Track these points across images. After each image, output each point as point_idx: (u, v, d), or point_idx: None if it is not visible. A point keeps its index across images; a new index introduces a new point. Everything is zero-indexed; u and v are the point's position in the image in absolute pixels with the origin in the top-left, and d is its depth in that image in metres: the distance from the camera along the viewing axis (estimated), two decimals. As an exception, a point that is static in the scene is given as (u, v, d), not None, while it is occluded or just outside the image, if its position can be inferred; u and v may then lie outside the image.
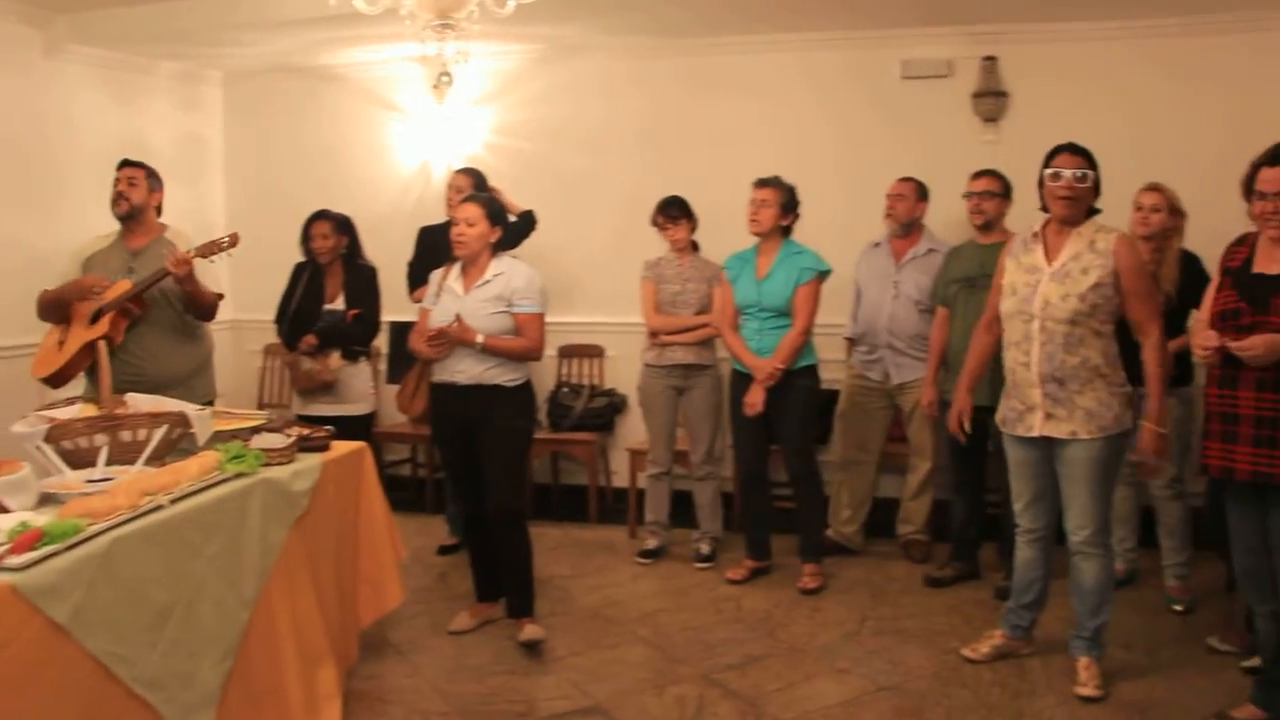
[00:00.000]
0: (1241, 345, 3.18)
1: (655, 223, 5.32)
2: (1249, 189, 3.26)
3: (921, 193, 5.28)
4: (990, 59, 5.91)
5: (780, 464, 5.14)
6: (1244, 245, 3.41)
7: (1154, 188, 4.53)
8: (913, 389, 5.17)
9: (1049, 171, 3.72)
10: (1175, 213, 4.47)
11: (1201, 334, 3.35)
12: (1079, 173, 3.65)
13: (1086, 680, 3.78)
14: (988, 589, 4.81)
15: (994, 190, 4.91)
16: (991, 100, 5.90)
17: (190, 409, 3.54)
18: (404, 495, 6.27)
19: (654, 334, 5.30)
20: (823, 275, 4.92)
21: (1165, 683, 3.89)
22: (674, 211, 5.28)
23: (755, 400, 4.86)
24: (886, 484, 5.64)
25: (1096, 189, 3.74)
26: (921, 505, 5.34)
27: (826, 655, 4.20)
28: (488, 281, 4.21)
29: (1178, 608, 4.59)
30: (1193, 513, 4.64)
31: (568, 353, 6.56)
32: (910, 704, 3.77)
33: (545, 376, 6.34)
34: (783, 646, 4.29)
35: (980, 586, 4.86)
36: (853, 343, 5.48)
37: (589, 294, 6.54)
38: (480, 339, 4.11)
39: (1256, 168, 3.23)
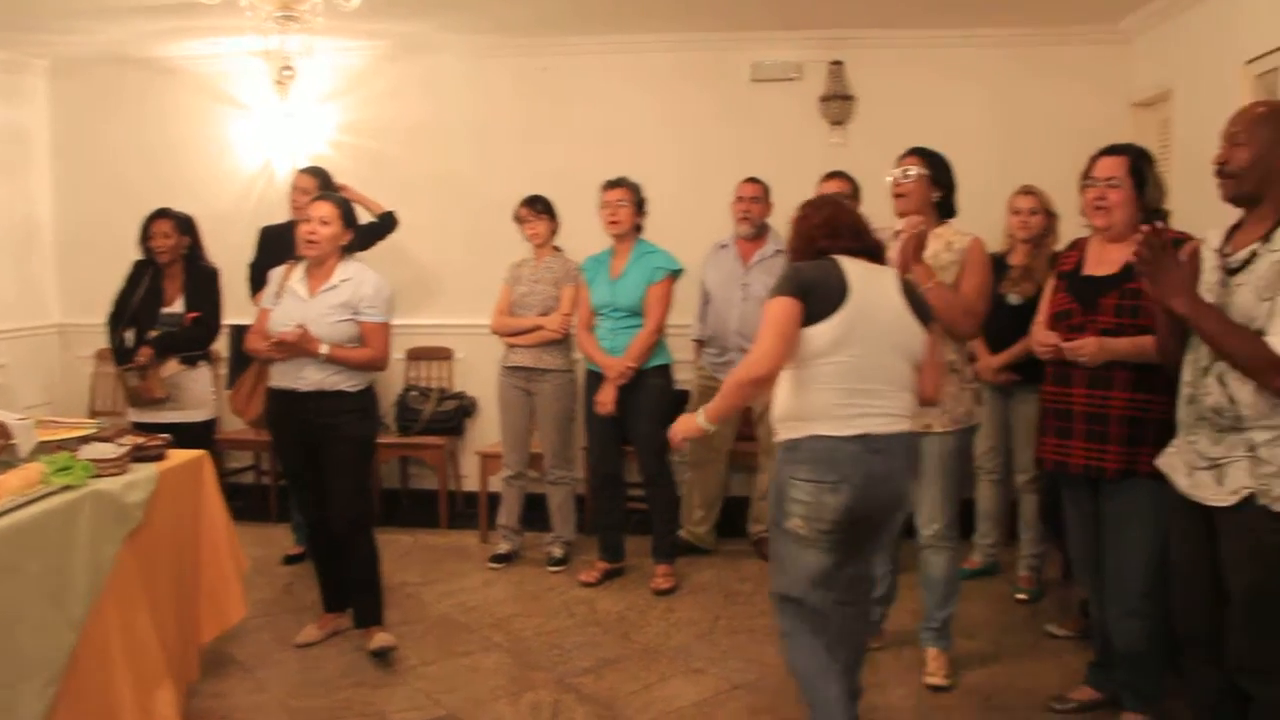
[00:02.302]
0: (1073, 346, 3.30)
1: (518, 216, 5.26)
2: (1085, 178, 3.40)
3: (768, 194, 5.35)
4: (837, 63, 6.03)
5: (633, 465, 5.14)
6: (1076, 250, 3.54)
7: (1028, 191, 4.69)
8: (766, 389, 5.21)
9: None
10: (1049, 214, 4.64)
11: (1040, 334, 3.47)
12: (905, 170, 3.75)
13: (935, 670, 3.89)
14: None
15: (844, 192, 5.00)
16: (838, 103, 6.03)
17: (11, 417, 3.33)
18: (247, 504, 6.08)
19: (497, 335, 5.28)
20: (675, 274, 4.94)
21: (1009, 669, 4.04)
22: (539, 205, 5.23)
23: (607, 399, 4.85)
24: (738, 483, 5.70)
25: (947, 191, 3.83)
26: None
27: (681, 656, 4.21)
28: (334, 287, 4.08)
29: (1023, 597, 4.76)
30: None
31: (416, 355, 6.43)
32: (765, 701, 3.81)
33: (393, 380, 6.20)
34: (637, 648, 4.28)
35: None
36: (701, 344, 5.51)
37: (438, 296, 6.43)
38: (324, 349, 3.99)
39: (1095, 158, 3.37)
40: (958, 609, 4.02)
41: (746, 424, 5.46)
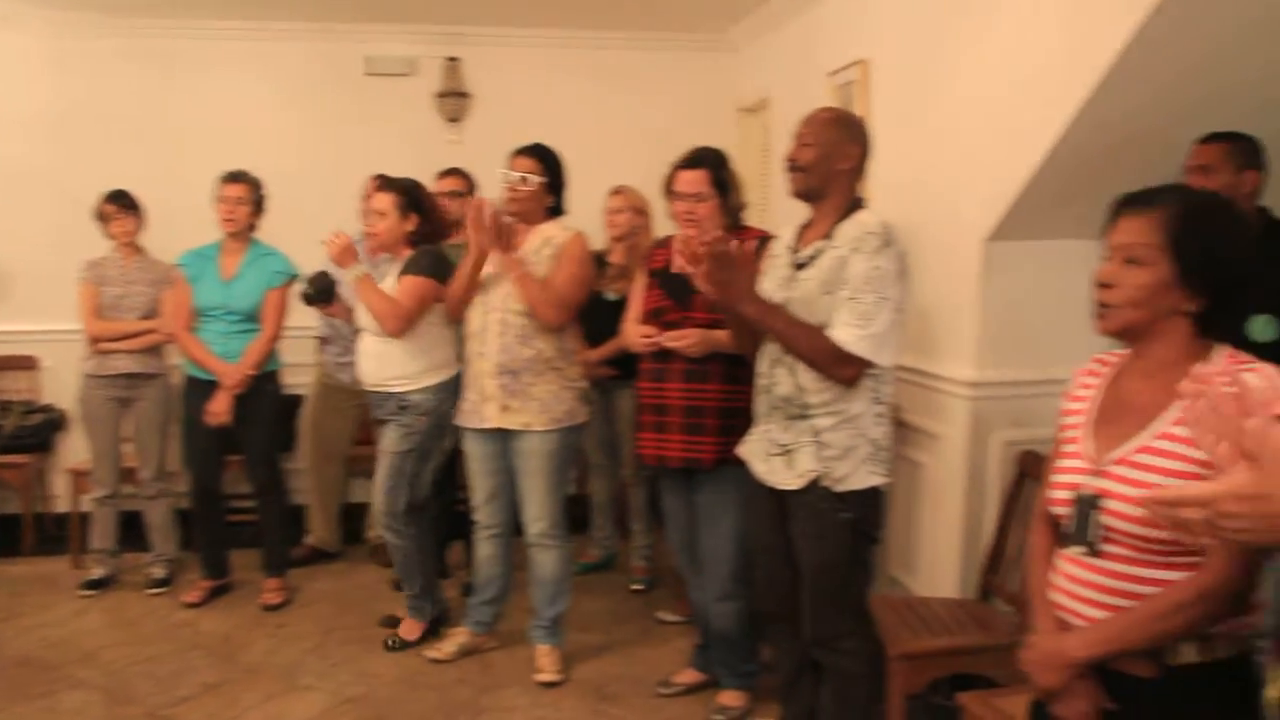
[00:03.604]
0: (676, 336, 3.37)
1: (102, 213, 4.79)
2: (669, 190, 3.47)
3: None
4: (453, 59, 5.96)
5: (236, 476, 4.83)
6: (665, 247, 3.63)
7: (617, 190, 4.76)
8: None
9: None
10: (640, 212, 4.72)
11: (636, 330, 3.53)
12: (517, 175, 3.73)
13: (546, 667, 3.89)
14: (456, 586, 4.81)
15: (459, 189, 4.93)
16: (454, 100, 5.96)
17: None
18: None
19: (95, 341, 4.78)
20: (292, 279, 4.68)
21: (621, 659, 4.11)
22: (125, 201, 4.79)
23: (221, 409, 4.51)
24: (359, 488, 5.51)
25: (559, 194, 3.83)
26: (391, 508, 5.25)
27: (289, 673, 3.99)
28: None
29: (638, 587, 4.87)
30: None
31: (-5, 364, 5.76)
32: (375, 712, 3.68)
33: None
34: (242, 669, 4.02)
35: (449, 585, 4.85)
36: (324, 341, 5.28)
37: (19, 299, 5.78)
38: None
39: (675, 170, 3.45)
40: (575, 604, 4.05)
41: (364, 428, 5.28)
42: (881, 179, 4.24)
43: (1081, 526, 1.81)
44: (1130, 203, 1.84)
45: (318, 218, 5.31)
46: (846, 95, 4.52)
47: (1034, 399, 3.39)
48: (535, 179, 3.73)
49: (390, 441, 4.07)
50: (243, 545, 4.93)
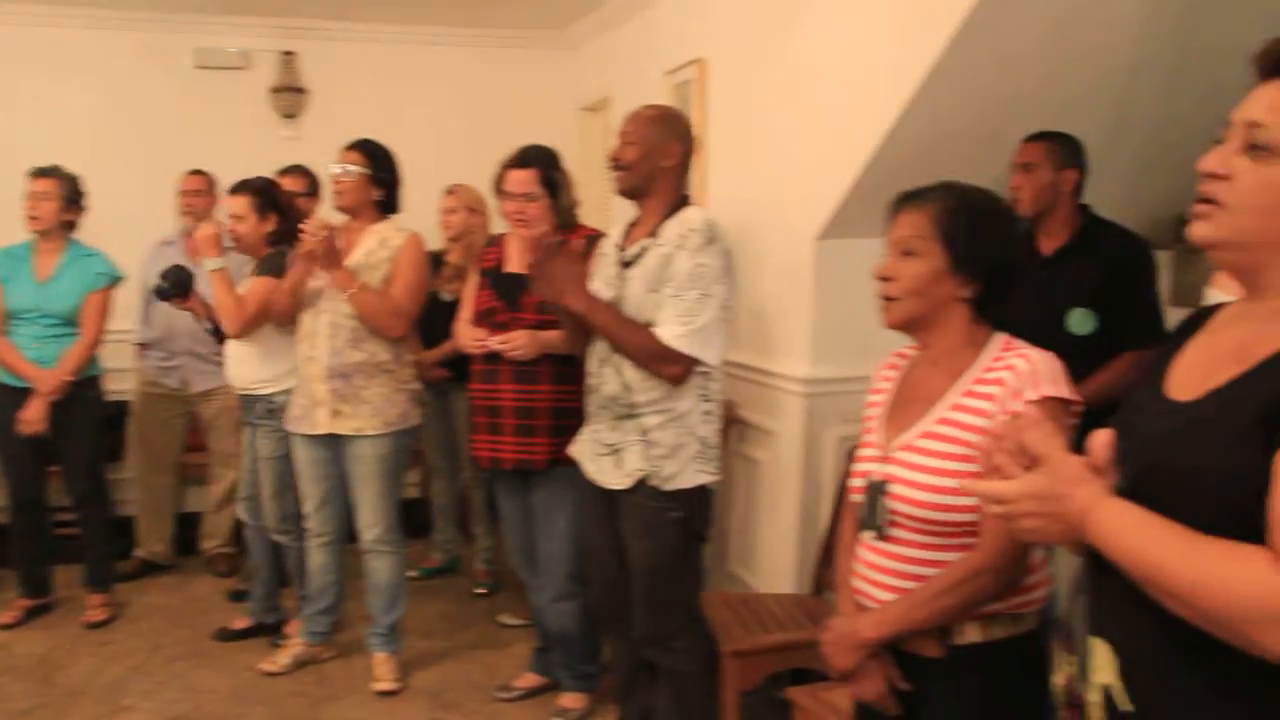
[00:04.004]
0: (506, 339, 3.33)
1: None
2: (500, 190, 3.43)
3: (214, 188, 5.01)
4: (289, 54, 5.79)
5: (59, 487, 4.59)
6: (496, 246, 3.59)
7: (452, 190, 4.68)
8: (217, 396, 4.87)
9: None
10: (475, 211, 4.64)
11: (467, 331, 3.47)
12: (345, 167, 3.64)
13: (384, 675, 3.81)
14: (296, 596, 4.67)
15: (299, 190, 4.77)
16: (291, 96, 5.79)
17: None
18: None
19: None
20: (115, 281, 4.47)
21: (461, 664, 4.05)
22: None
23: (36, 417, 4.27)
24: (193, 497, 5.30)
25: (389, 188, 3.74)
26: (226, 517, 5.05)
27: (111, 693, 3.80)
28: None
29: (481, 591, 4.80)
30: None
31: None
32: (199, 730, 3.54)
33: None
34: (60, 692, 3.81)
35: (291, 594, 4.70)
36: (144, 347, 5.06)
37: None
38: None
39: (505, 169, 3.40)
40: (416, 609, 3.98)
41: (195, 432, 5.09)
42: (717, 178, 4.31)
43: (871, 511, 1.88)
44: (905, 200, 1.93)
45: (142, 218, 5.15)
46: (684, 95, 4.54)
47: (865, 394, 3.43)
48: (356, 169, 3.64)
49: (266, 447, 3.97)
50: (68, 560, 4.68)
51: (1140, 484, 1.28)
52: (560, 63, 6.13)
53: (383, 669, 3.82)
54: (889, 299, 1.90)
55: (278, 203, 4.04)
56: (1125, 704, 1.27)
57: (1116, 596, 1.25)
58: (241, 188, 4.03)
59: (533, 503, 3.50)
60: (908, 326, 1.93)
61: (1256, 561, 1.09)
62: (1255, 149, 1.20)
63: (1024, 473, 1.30)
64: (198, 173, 5.02)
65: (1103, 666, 1.31)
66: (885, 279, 1.90)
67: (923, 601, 1.82)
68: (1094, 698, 1.32)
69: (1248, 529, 1.12)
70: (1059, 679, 1.44)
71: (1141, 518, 1.20)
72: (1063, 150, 3.18)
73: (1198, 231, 1.26)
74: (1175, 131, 3.34)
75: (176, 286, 4.17)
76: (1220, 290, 2.34)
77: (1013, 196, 3.17)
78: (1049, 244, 3.23)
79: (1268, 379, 1.17)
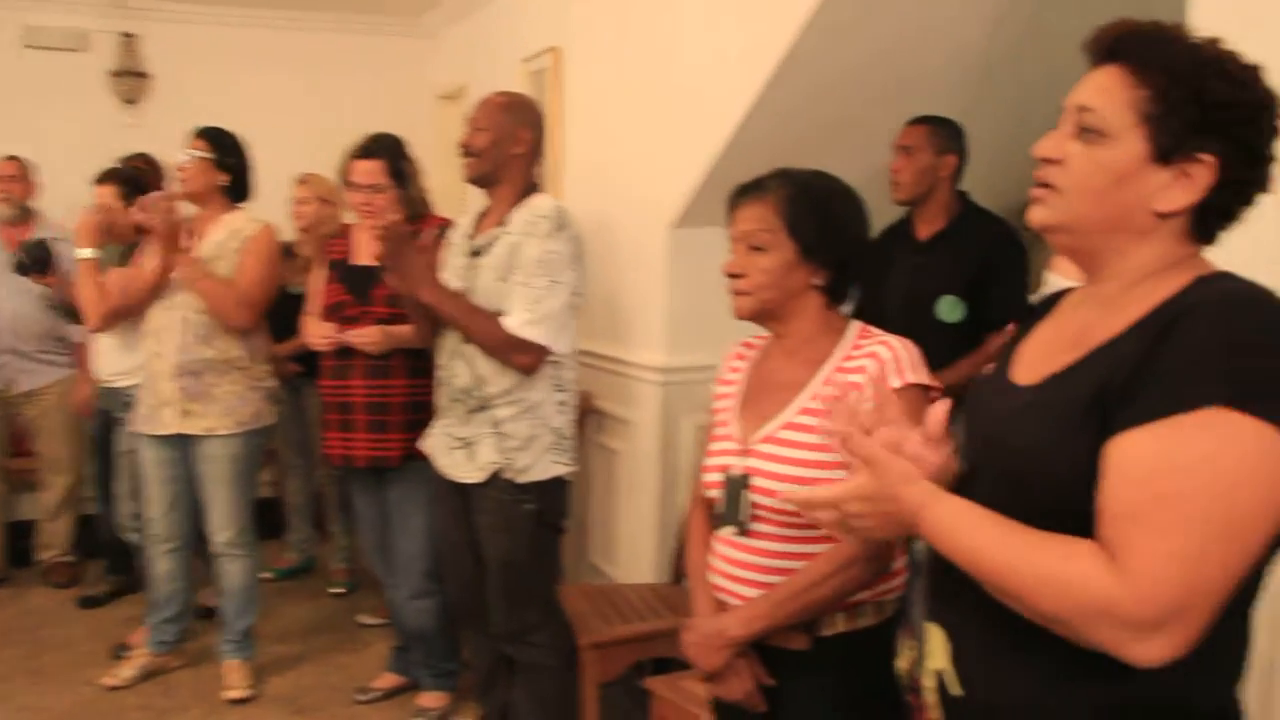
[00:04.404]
0: (358, 334, 3.24)
1: None
2: (347, 181, 3.33)
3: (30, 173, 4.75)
4: (129, 36, 5.54)
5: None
6: (344, 238, 3.49)
7: (304, 179, 4.53)
8: (44, 396, 4.62)
9: None
10: (327, 202, 4.49)
11: (315, 326, 3.37)
12: (185, 155, 3.49)
13: (236, 683, 3.67)
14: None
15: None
16: (131, 80, 5.54)
17: None
18: None
19: None
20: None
21: (318, 668, 3.94)
22: None
23: None
24: (26, 505, 5.02)
25: (236, 175, 3.58)
26: (63, 524, 4.80)
27: (-66, 717, 3.59)
28: None
29: (338, 590, 4.68)
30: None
31: None
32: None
33: None
34: None
35: (138, 601, 4.50)
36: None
37: None
38: None
39: (351, 160, 3.31)
40: (272, 612, 3.85)
41: (18, 439, 4.82)
42: (573, 166, 4.27)
43: (732, 507, 1.83)
44: (744, 192, 1.90)
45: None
46: (540, 83, 4.48)
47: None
48: (198, 154, 3.49)
49: (124, 441, 3.87)
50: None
51: (981, 466, 1.29)
52: (416, 50, 6.02)
53: (235, 676, 3.68)
54: (741, 294, 1.87)
55: (146, 190, 3.83)
56: (956, 688, 1.28)
57: (949, 582, 1.25)
58: (109, 177, 3.91)
59: (388, 500, 3.42)
60: (761, 318, 1.90)
61: (1087, 559, 1.10)
62: (1085, 132, 1.21)
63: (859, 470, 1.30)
64: (11, 158, 4.73)
65: (936, 651, 1.31)
66: (735, 275, 1.87)
67: (792, 595, 1.78)
68: (929, 683, 1.33)
69: (1079, 516, 1.13)
70: (902, 664, 1.45)
71: (974, 516, 1.20)
72: (943, 135, 3.19)
73: (1035, 216, 1.27)
74: (1027, 117, 3.42)
75: (36, 263, 4.04)
76: (1058, 274, 2.39)
77: (892, 179, 3.18)
78: (926, 229, 3.24)
79: (1100, 365, 1.18)
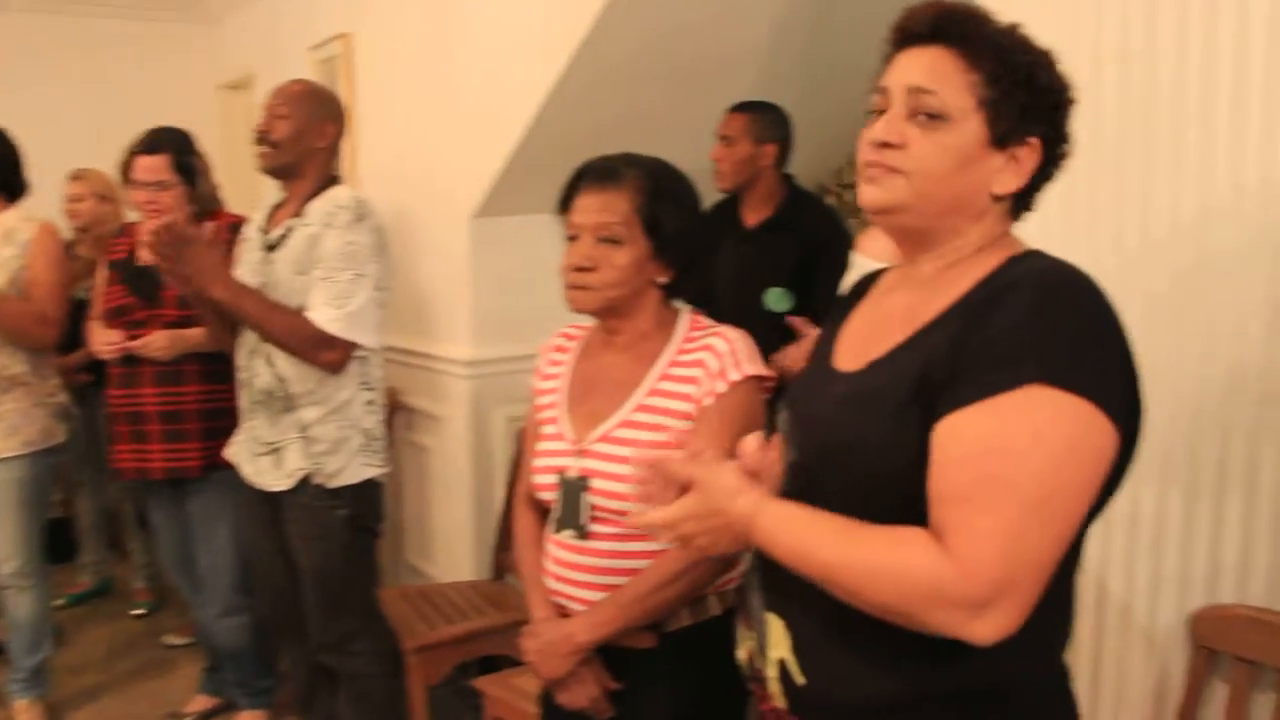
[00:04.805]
0: (144, 343, 3.05)
1: None
2: (128, 178, 3.13)
3: None
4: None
5: None
6: (127, 236, 3.28)
7: (78, 175, 4.25)
8: None
9: None
10: (105, 199, 4.22)
11: (100, 333, 3.16)
12: None
13: (29, 723, 3.42)
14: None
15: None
16: None
17: None
18: None
19: None
20: None
21: (122, 697, 3.71)
22: None
23: None
24: None
25: (8, 172, 3.33)
26: None
27: None
28: None
29: (140, 611, 4.42)
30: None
31: None
32: None
33: None
34: None
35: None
36: None
37: None
38: None
39: (133, 155, 3.11)
40: (67, 641, 3.60)
41: None
42: (369, 158, 4.15)
43: (570, 510, 1.77)
44: (594, 178, 1.80)
45: None
46: (330, 71, 4.33)
47: (529, 374, 3.39)
48: None
49: None
50: None
51: (811, 459, 1.28)
52: (198, 37, 5.74)
53: (27, 715, 3.41)
54: (585, 288, 1.78)
55: None
56: (799, 677, 1.28)
57: (785, 573, 1.24)
58: None
59: (189, 513, 3.24)
60: (602, 312, 1.82)
61: (915, 545, 1.10)
62: (924, 116, 1.20)
63: (677, 495, 1.28)
64: None
65: (778, 641, 1.31)
66: (583, 268, 1.77)
67: (639, 598, 1.73)
68: (771, 672, 1.32)
69: (907, 502, 1.14)
70: (741, 653, 1.43)
71: (802, 520, 1.20)
72: (763, 122, 3.15)
73: (869, 197, 1.25)
74: (815, 103, 3.49)
75: None
76: (865, 256, 2.41)
77: (715, 168, 3.15)
78: (753, 217, 3.23)
79: (922, 348, 1.19)
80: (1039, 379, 1.08)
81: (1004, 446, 1.08)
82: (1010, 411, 1.08)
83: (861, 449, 1.20)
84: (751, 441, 1.29)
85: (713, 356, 1.74)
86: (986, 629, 1.08)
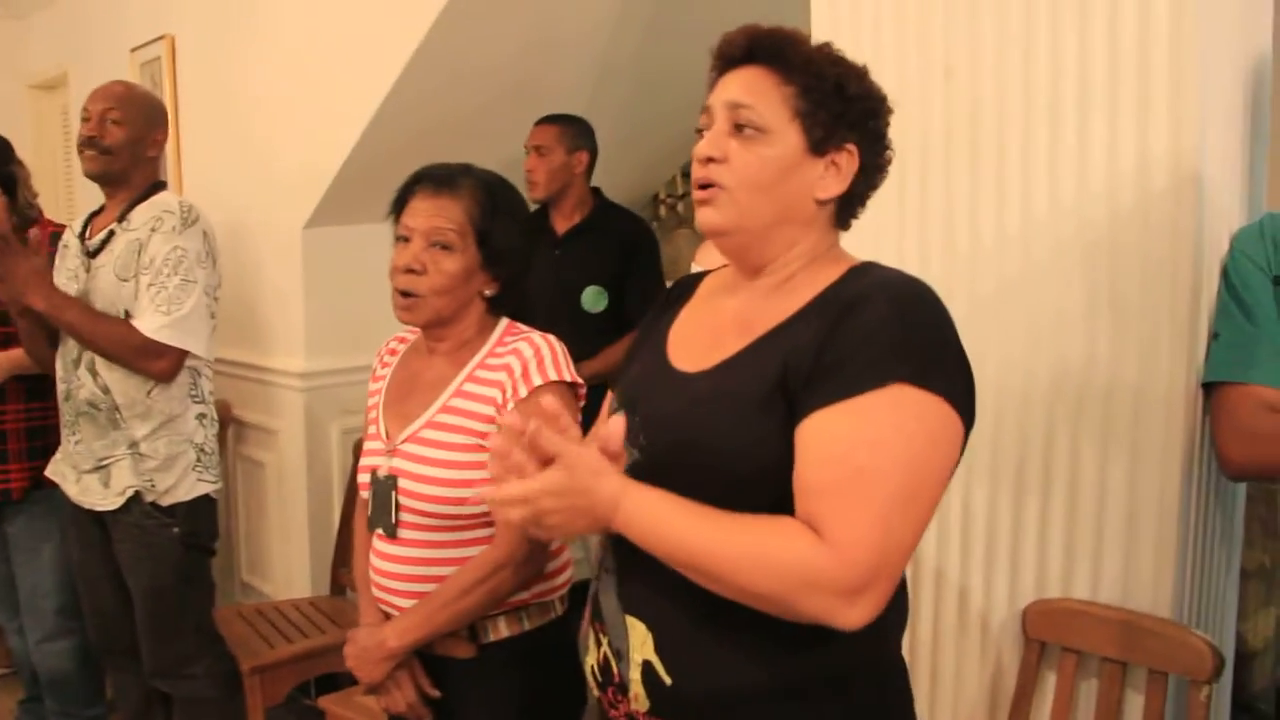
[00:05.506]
0: None
1: None
2: None
3: None
4: None
5: None
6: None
7: None
8: None
9: None
10: None
11: None
12: None
13: None
14: None
15: None
16: None
17: None
18: None
19: None
20: None
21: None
22: None
23: None
24: None
25: None
26: None
27: None
28: None
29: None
30: None
31: None
32: None
33: None
34: None
35: None
36: None
37: None
38: None
39: None
40: None
41: None
42: (193, 166, 4.03)
43: (381, 509, 1.80)
44: (431, 183, 1.81)
45: None
46: (152, 73, 4.18)
47: (363, 385, 3.35)
48: None
49: None
50: None
51: (657, 459, 1.29)
52: (6, 33, 5.42)
53: None
54: (413, 294, 1.77)
55: None
56: (667, 677, 1.29)
57: (643, 575, 1.27)
58: None
59: (8, 536, 3.08)
60: (430, 324, 1.82)
61: (790, 534, 1.14)
62: (743, 129, 1.27)
63: (538, 470, 1.22)
64: None
65: (640, 644, 1.31)
66: (411, 271, 1.77)
67: (444, 604, 1.75)
68: (635, 675, 1.32)
69: (770, 498, 1.18)
70: (591, 660, 1.42)
71: (670, 504, 1.20)
72: (573, 132, 3.30)
73: (706, 219, 1.29)
74: (645, 115, 3.56)
75: None
76: (701, 268, 2.46)
77: (528, 179, 3.25)
78: (563, 224, 3.36)
79: (775, 350, 1.24)
80: (903, 379, 1.15)
81: (873, 440, 1.14)
82: (877, 409, 1.15)
83: (719, 447, 1.24)
84: (616, 424, 1.26)
85: (517, 360, 1.76)
86: (857, 614, 1.13)
